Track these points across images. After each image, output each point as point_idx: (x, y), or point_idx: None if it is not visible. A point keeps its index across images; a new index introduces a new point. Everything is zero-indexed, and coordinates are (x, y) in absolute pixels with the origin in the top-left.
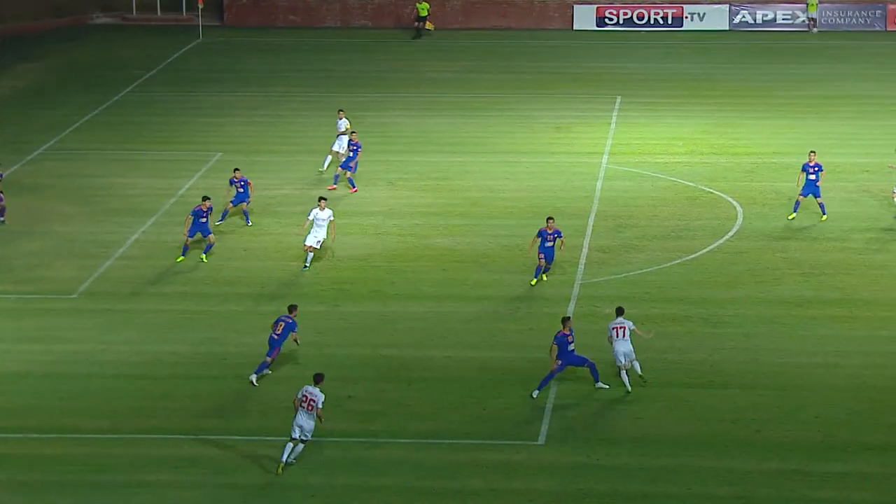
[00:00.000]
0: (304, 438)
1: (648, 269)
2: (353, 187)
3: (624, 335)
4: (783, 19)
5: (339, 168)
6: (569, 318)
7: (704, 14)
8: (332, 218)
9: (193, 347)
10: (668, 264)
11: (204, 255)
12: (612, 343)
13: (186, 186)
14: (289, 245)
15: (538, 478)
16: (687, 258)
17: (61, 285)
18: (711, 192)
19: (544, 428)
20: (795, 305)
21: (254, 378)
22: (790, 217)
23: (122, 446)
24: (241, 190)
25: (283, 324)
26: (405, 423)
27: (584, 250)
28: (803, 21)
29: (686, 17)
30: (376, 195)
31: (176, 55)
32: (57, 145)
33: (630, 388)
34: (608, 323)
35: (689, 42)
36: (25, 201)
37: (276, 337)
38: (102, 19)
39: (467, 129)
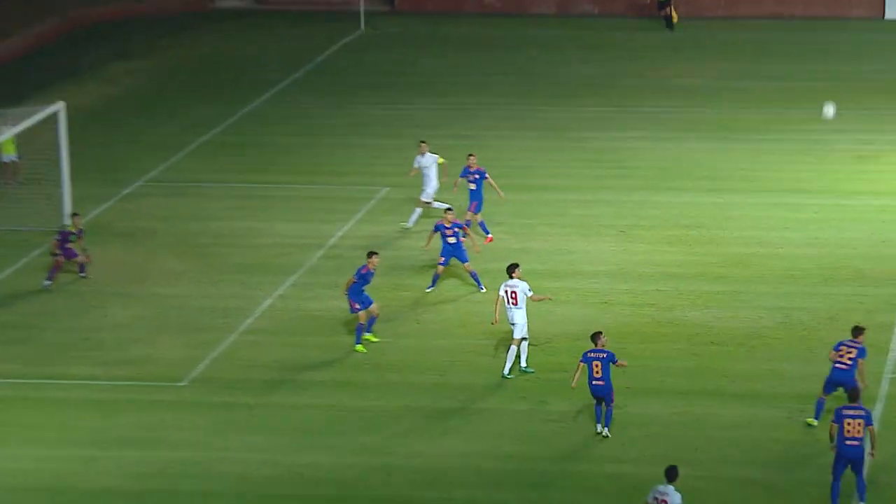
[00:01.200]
0: None
1: None
2: (488, 234)
3: (850, 365)
4: None
5: (470, 212)
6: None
7: None
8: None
9: (345, 458)
10: None
11: (370, 335)
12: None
13: (339, 234)
14: (476, 314)
15: None
16: None
17: (166, 369)
18: None
19: None
20: None
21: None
22: None
23: None
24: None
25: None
26: None
27: None
28: None
29: None
30: (601, 249)
31: (327, 52)
32: (162, 175)
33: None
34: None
35: None
36: (118, 253)
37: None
38: (229, 2)
39: (730, 158)
